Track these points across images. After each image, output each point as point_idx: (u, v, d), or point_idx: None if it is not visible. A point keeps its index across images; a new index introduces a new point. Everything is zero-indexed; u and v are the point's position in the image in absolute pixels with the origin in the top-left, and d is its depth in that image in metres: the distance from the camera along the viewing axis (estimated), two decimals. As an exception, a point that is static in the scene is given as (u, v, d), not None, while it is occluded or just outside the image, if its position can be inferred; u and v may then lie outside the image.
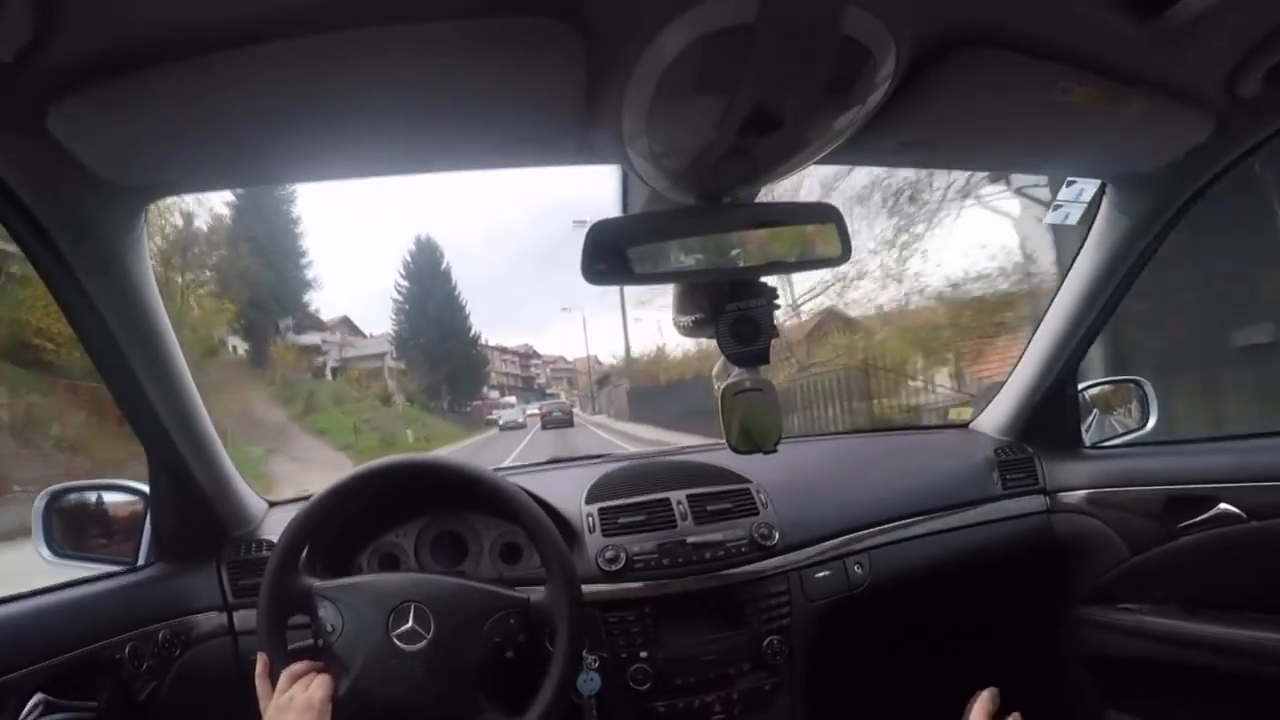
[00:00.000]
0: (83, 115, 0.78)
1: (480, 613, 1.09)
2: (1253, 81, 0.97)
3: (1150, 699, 1.57)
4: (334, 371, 34.72)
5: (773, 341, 1.03)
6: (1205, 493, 1.45)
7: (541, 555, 1.17)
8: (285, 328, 30.85)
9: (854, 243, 0.98)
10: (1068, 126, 1.06)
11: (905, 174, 10.55)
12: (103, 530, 1.42)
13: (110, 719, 1.16)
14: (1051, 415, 1.76)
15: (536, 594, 1.13)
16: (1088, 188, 1.46)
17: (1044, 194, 7.42)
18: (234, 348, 25.83)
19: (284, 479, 14.93)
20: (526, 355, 78.92)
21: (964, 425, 1.97)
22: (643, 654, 1.38)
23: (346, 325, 42.88)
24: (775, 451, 1.11)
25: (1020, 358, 1.76)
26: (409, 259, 44.93)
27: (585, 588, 1.19)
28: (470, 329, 47.99)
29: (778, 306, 1.01)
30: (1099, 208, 1.43)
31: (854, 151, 0.98)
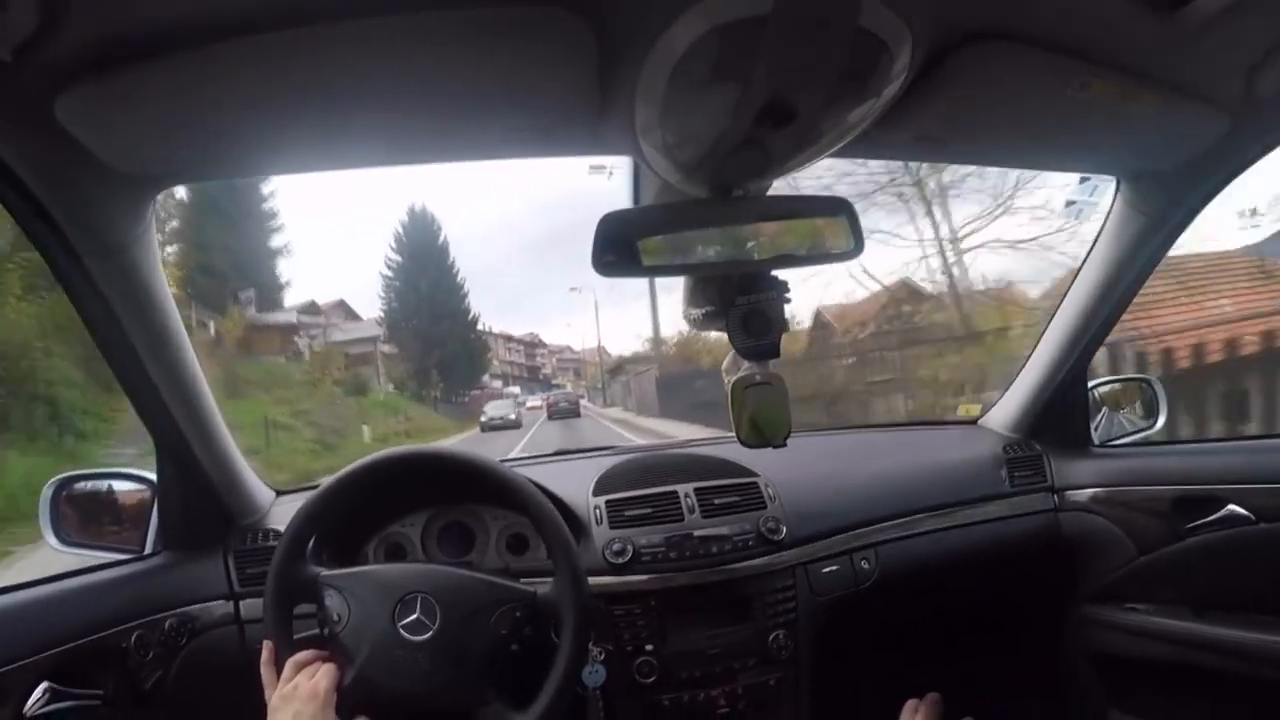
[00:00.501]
0: (90, 105, 0.78)
1: (487, 605, 1.09)
2: (1271, 80, 0.96)
3: (1155, 699, 1.56)
4: (315, 355, 28.90)
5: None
6: (1213, 494, 1.45)
7: (548, 548, 1.17)
8: (245, 300, 27.03)
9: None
10: (1083, 123, 1.05)
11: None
12: (110, 519, 1.43)
13: (116, 707, 1.17)
14: (1060, 413, 1.75)
15: (544, 587, 1.13)
16: (1102, 185, 1.45)
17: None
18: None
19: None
20: (532, 344, 76.77)
21: (973, 421, 1.96)
22: (648, 647, 1.39)
23: (343, 309, 40.28)
24: (784, 446, 1.11)
25: (1030, 354, 1.76)
26: (401, 231, 41.24)
27: (591, 580, 1.19)
28: (469, 310, 43.69)
29: (788, 300, 1.00)
30: (1112, 205, 1.42)
31: (867, 145, 0.97)
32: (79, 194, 0.94)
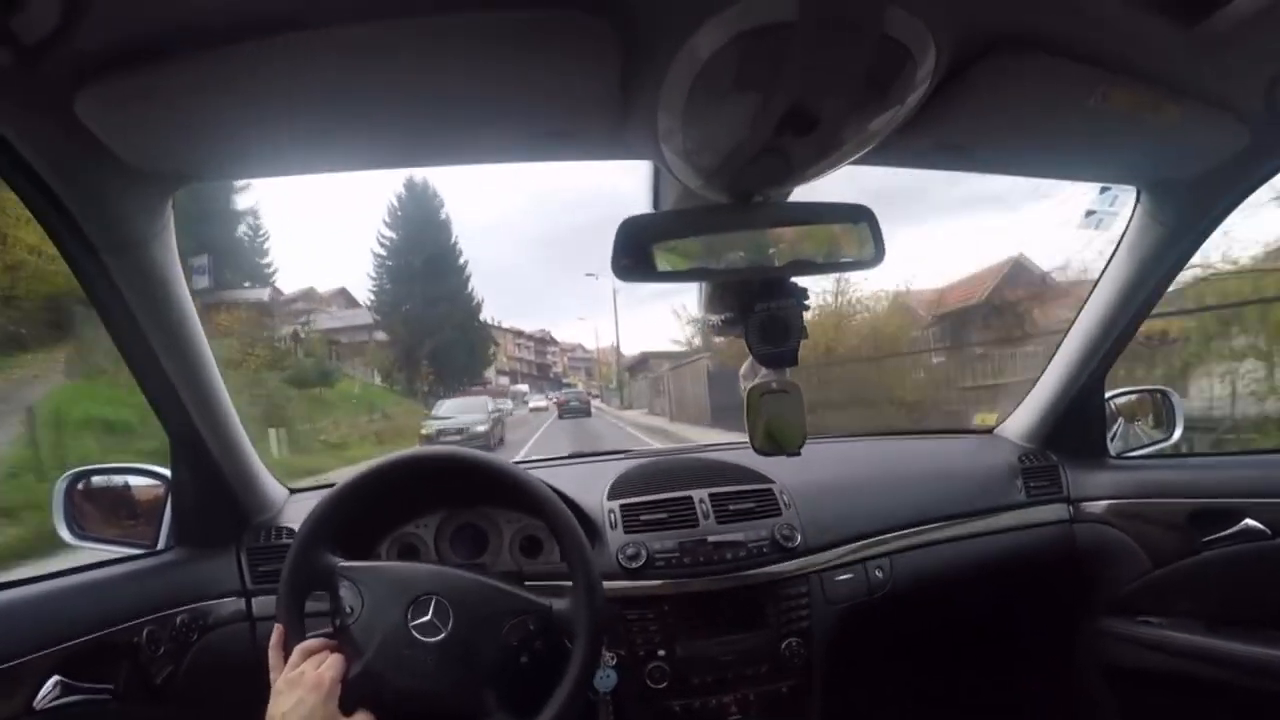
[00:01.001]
0: (110, 102, 0.78)
1: (500, 614, 1.08)
2: None
3: (1167, 713, 1.56)
4: (298, 342, 25.17)
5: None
6: (1230, 507, 1.44)
7: (563, 551, 1.16)
8: (197, 268, 20.46)
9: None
10: (1104, 132, 1.04)
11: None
12: (124, 514, 1.43)
13: (126, 702, 1.17)
14: (1077, 423, 1.75)
15: (559, 602, 1.11)
16: (1122, 194, 1.45)
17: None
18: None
19: None
20: (543, 340, 74.57)
21: (989, 431, 1.95)
22: (661, 652, 1.38)
23: (343, 297, 38.12)
24: (799, 454, 1.10)
25: (1047, 364, 1.75)
26: (396, 204, 37.30)
27: (605, 584, 1.18)
28: (471, 295, 39.70)
29: (807, 308, 1.00)
30: (1132, 215, 1.42)
31: (888, 153, 0.96)
32: (97, 190, 0.94)
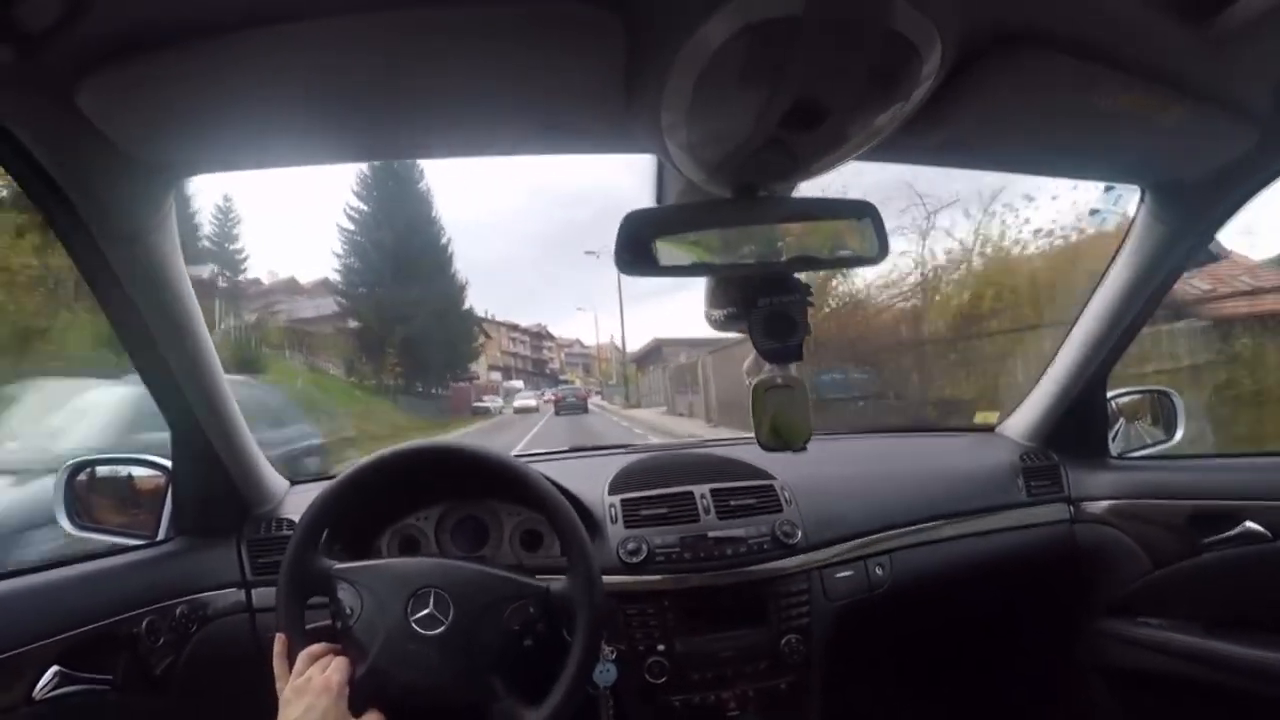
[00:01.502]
0: (113, 92, 0.78)
1: (499, 600, 1.08)
2: None
3: (1166, 714, 1.56)
4: (257, 330, 22.69)
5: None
6: (1231, 509, 1.44)
7: (563, 544, 1.16)
8: None
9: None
10: (1110, 130, 1.04)
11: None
12: (124, 504, 1.43)
13: (126, 693, 1.17)
14: (1078, 423, 1.74)
15: (557, 583, 1.12)
16: (1126, 193, 1.44)
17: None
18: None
19: None
20: (539, 335, 71.85)
21: (990, 429, 1.95)
22: (660, 647, 1.38)
23: (326, 287, 33.86)
24: (804, 450, 1.10)
25: (1050, 363, 1.74)
26: (367, 171, 31.70)
27: (606, 578, 1.19)
28: (455, 279, 34.88)
29: (811, 303, 1.00)
30: (1136, 214, 1.41)
31: (893, 149, 0.96)
32: (99, 181, 0.94)
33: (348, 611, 1.07)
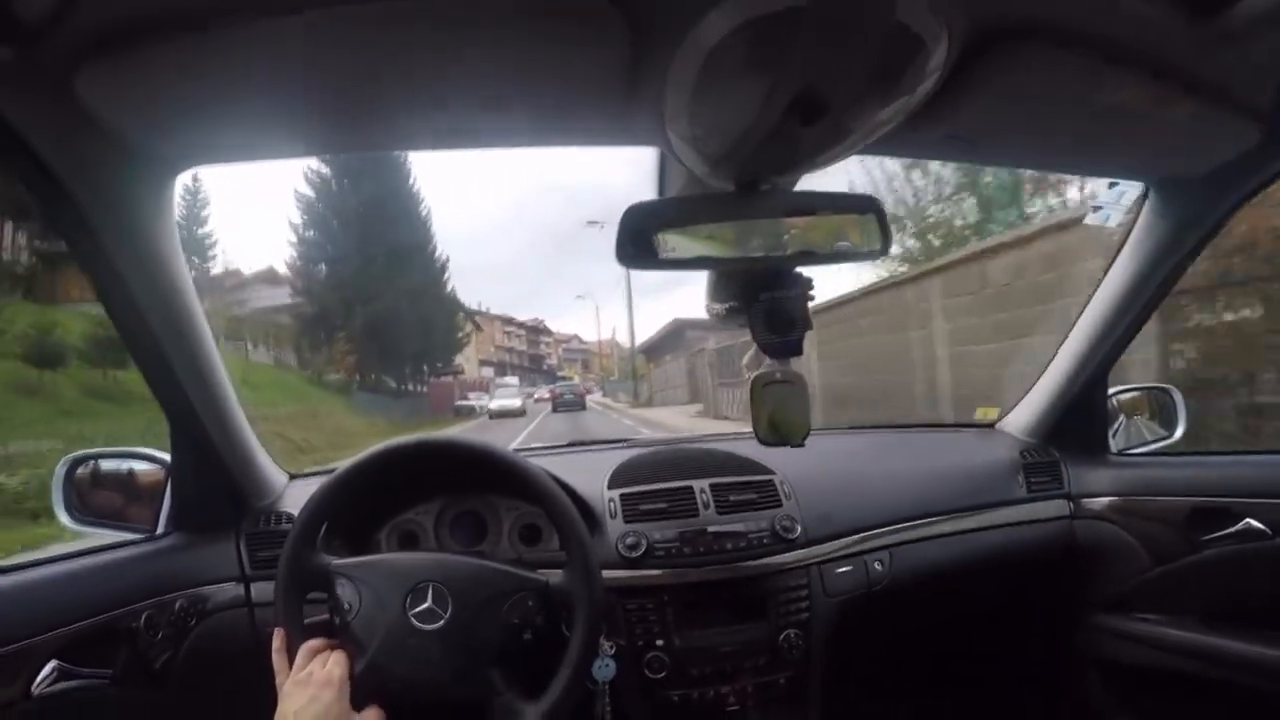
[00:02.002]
0: (112, 82, 0.77)
1: (499, 593, 1.08)
2: None
3: (1164, 710, 1.56)
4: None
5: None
6: (1231, 507, 1.44)
7: (562, 538, 1.16)
8: None
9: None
10: (1114, 127, 1.04)
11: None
12: (123, 498, 1.42)
13: (125, 687, 1.17)
14: (1079, 419, 1.74)
15: (556, 576, 1.12)
16: (1129, 190, 1.44)
17: None
18: None
19: None
20: (535, 329, 69.76)
21: (990, 425, 1.95)
22: (659, 642, 1.38)
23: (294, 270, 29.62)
24: (803, 445, 1.10)
25: (1051, 359, 1.74)
26: None
27: (605, 573, 1.19)
28: (435, 255, 31.25)
29: (813, 298, 1.00)
30: (1140, 211, 1.41)
31: (896, 143, 0.96)
32: (99, 173, 0.94)
33: (346, 607, 1.07)
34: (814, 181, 0.98)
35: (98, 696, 1.13)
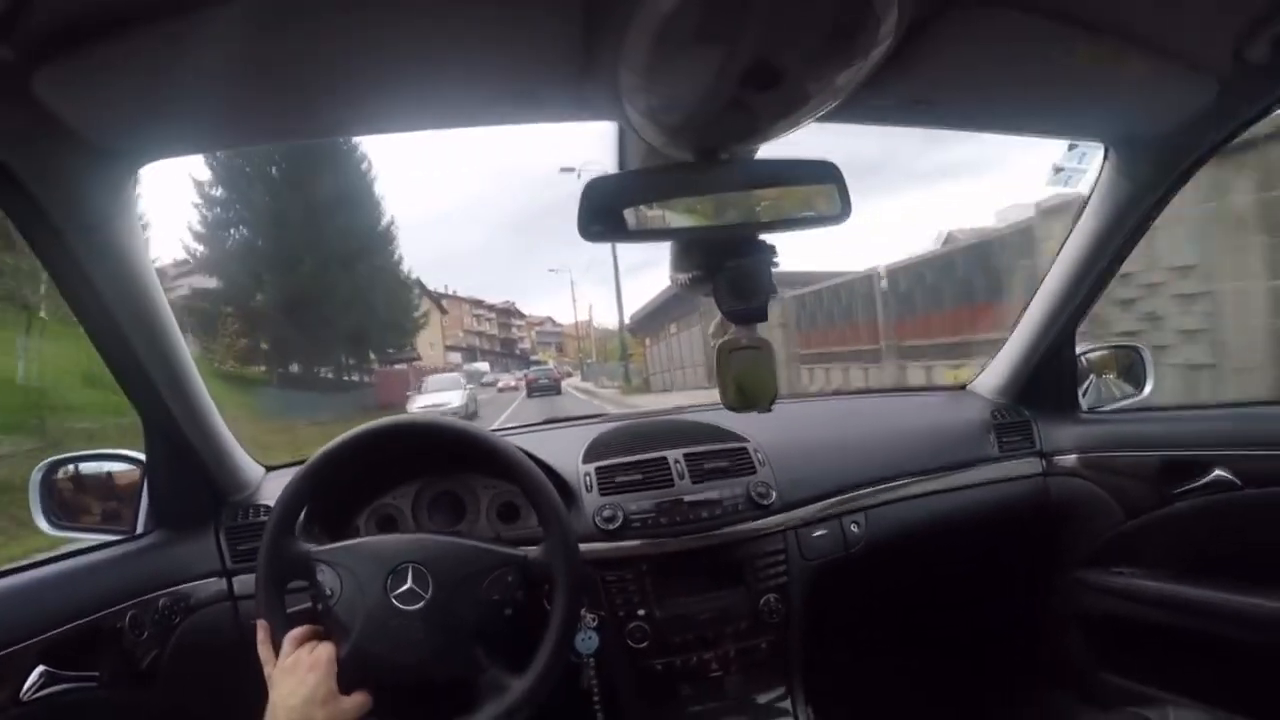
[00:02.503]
0: (70, 79, 0.77)
1: (478, 570, 1.09)
2: (1261, 47, 0.96)
3: (1143, 661, 1.59)
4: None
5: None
6: (1201, 459, 1.47)
7: (538, 513, 1.17)
8: None
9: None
10: (1071, 87, 1.05)
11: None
12: (101, 500, 1.42)
13: (113, 688, 1.17)
14: (1049, 379, 1.77)
15: (534, 551, 1.13)
16: (1090, 151, 1.45)
17: None
18: None
19: None
20: (507, 312, 67.12)
21: (961, 387, 1.97)
22: (640, 612, 1.40)
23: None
24: (770, 410, 1.11)
25: (1018, 320, 1.76)
26: None
27: (583, 546, 1.20)
28: (379, 218, 26.73)
29: (776, 265, 1.00)
30: (1101, 171, 1.43)
31: (854, 109, 0.96)
32: (59, 170, 0.93)
33: (328, 593, 1.07)
34: (775, 148, 0.99)
35: (87, 699, 1.13)
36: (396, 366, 28.64)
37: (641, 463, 1.51)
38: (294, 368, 23.82)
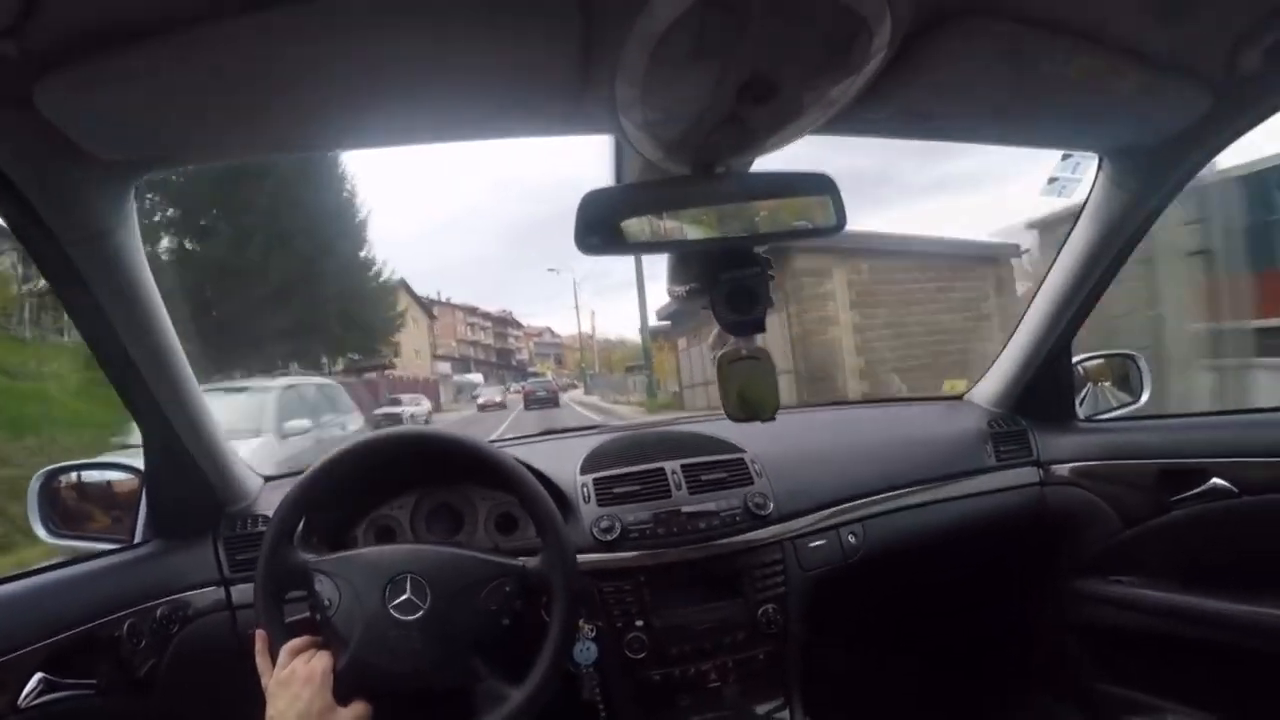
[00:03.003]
0: (71, 91, 0.77)
1: (475, 580, 1.09)
2: (1254, 57, 0.96)
3: (1140, 670, 1.58)
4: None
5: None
6: (1198, 467, 1.46)
7: (535, 523, 1.17)
8: None
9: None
10: (1065, 99, 1.05)
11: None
12: (99, 509, 1.43)
13: (110, 696, 1.17)
14: (1045, 388, 1.76)
15: (532, 561, 1.14)
16: (1084, 161, 1.46)
17: None
18: None
19: None
20: (503, 321, 64.16)
21: (958, 397, 1.97)
22: (638, 623, 1.39)
23: None
24: (773, 420, 1.12)
25: (1015, 330, 1.77)
26: None
27: (581, 557, 1.20)
28: (347, 191, 22.47)
29: (772, 276, 1.01)
30: (1095, 181, 1.43)
31: (849, 122, 0.97)
32: (59, 181, 0.93)
33: (326, 603, 1.08)
34: (770, 160, 0.99)
35: (84, 707, 1.13)
36: (367, 376, 23.99)
37: (639, 474, 1.51)
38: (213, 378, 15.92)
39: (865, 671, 1.77)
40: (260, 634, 1.09)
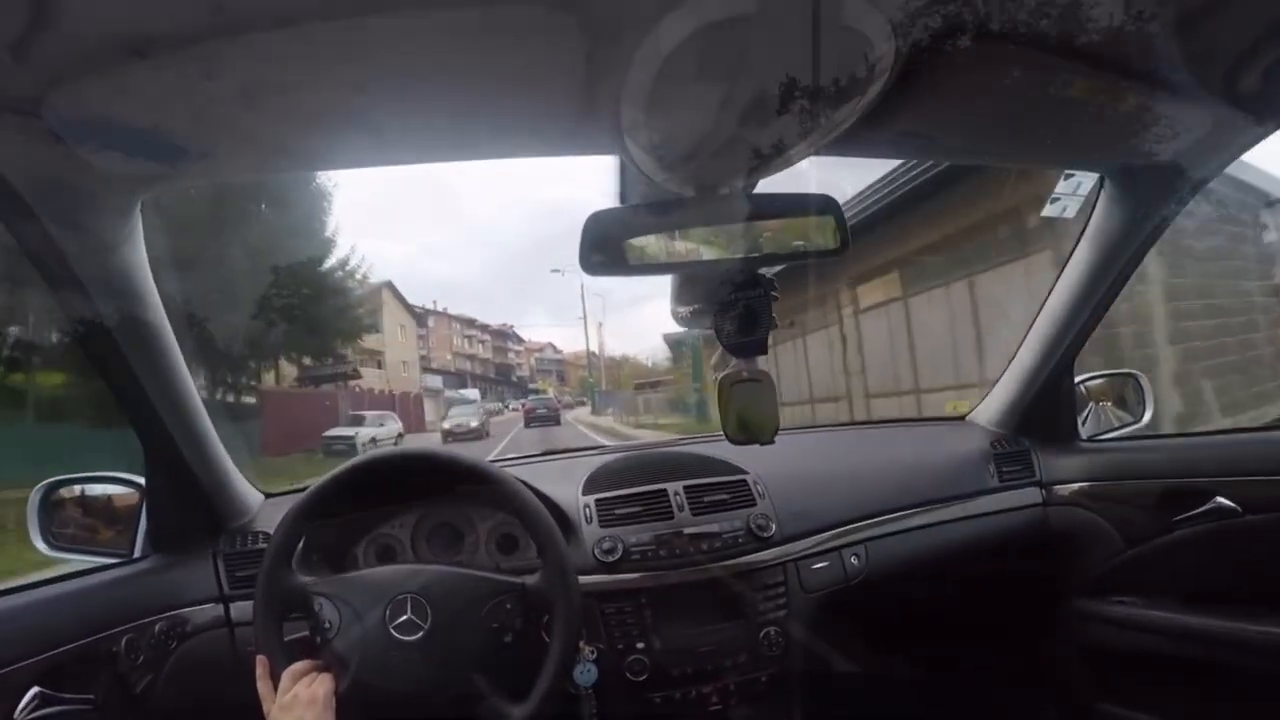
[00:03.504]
0: (78, 106, 0.78)
1: (476, 599, 1.09)
2: (1253, 78, 0.97)
3: (1144, 691, 1.58)
4: None
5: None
6: (1201, 486, 1.46)
7: (535, 540, 1.17)
8: None
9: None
10: (1066, 119, 1.06)
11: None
12: (99, 523, 1.42)
13: (107, 712, 1.16)
14: (1047, 408, 1.76)
15: (532, 579, 1.13)
16: (1085, 180, 1.46)
17: None
18: None
19: None
20: (503, 334, 60.97)
21: (960, 418, 1.97)
22: (639, 645, 1.39)
23: None
24: (772, 443, 1.11)
25: (1017, 350, 1.76)
26: None
27: (582, 578, 1.20)
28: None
29: (775, 298, 1.01)
30: (1097, 201, 1.43)
31: (852, 143, 0.97)
32: (65, 195, 0.94)
33: (326, 626, 1.07)
34: (773, 182, 0.99)
35: None
36: (323, 387, 20.06)
37: (641, 495, 1.50)
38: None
39: (868, 693, 1.76)
40: (261, 660, 1.09)
